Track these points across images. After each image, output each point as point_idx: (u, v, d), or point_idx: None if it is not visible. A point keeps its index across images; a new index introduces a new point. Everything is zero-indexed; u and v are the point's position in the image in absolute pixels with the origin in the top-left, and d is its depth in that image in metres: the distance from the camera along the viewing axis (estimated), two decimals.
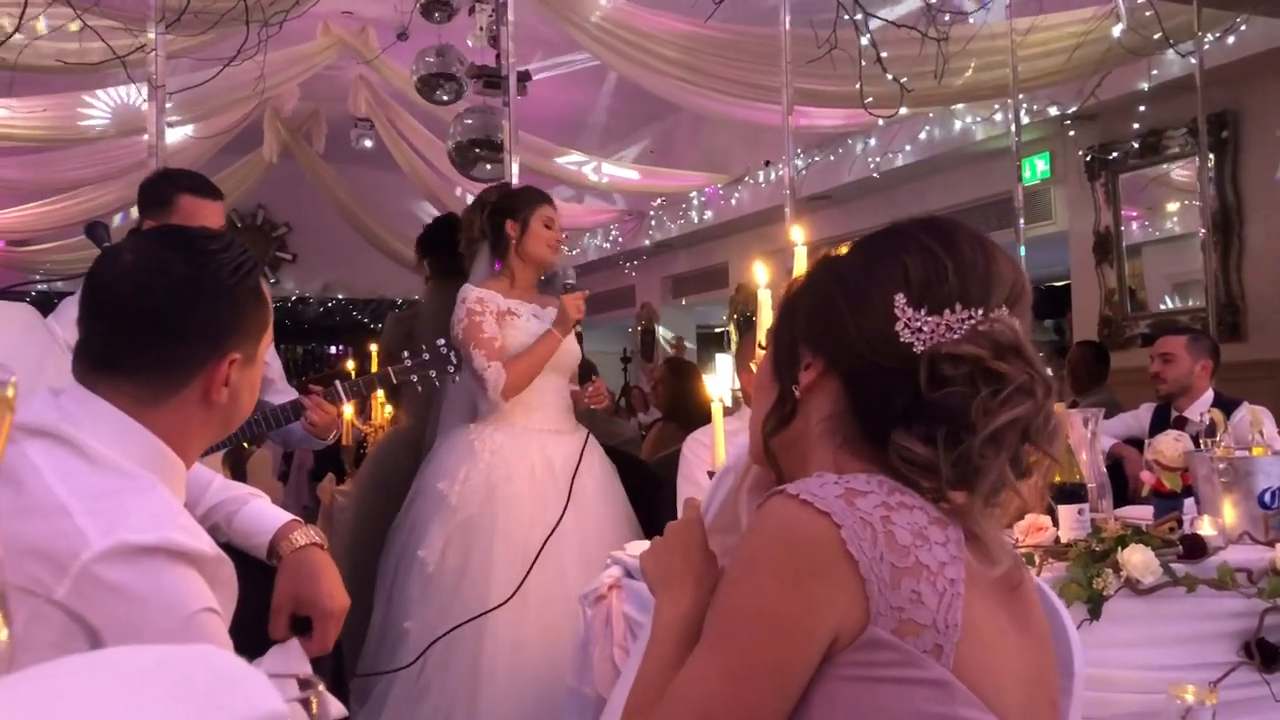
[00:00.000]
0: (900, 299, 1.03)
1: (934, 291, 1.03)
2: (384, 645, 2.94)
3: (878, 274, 1.06)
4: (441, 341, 2.78)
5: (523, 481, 2.98)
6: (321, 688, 0.53)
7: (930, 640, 0.93)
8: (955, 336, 1.01)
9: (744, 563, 0.99)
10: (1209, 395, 3.91)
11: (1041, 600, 1.14)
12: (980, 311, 1.02)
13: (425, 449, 3.29)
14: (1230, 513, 2.36)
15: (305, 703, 0.53)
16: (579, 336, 3.21)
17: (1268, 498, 2.32)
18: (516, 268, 3.14)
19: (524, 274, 3.15)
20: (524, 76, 4.74)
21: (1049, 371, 1.03)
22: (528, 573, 2.74)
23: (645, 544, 2.21)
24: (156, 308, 1.23)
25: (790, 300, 1.14)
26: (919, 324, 1.02)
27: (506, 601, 2.74)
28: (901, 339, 1.02)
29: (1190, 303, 6.45)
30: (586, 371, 4.83)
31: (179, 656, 0.41)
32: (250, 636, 1.29)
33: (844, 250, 1.13)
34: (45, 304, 2.84)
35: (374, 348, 5.24)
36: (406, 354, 2.78)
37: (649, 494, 3.31)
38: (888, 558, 0.93)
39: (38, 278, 8.97)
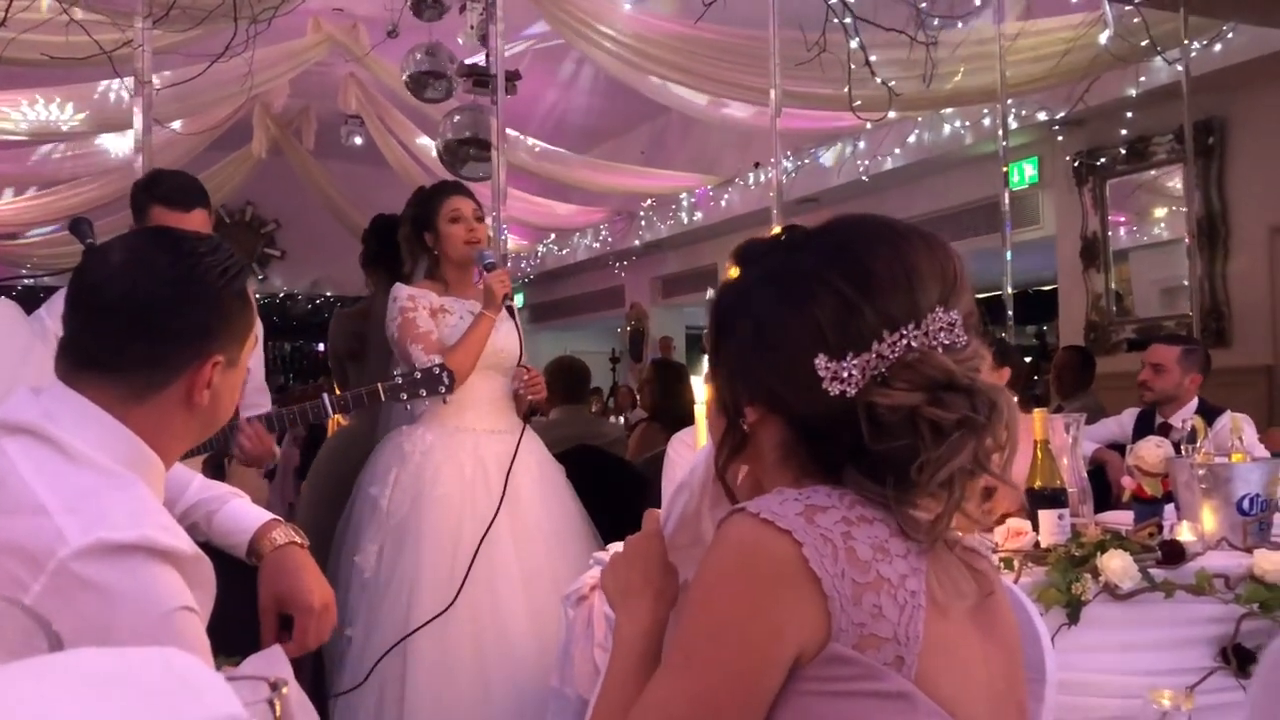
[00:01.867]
0: (821, 360, 1.00)
1: (854, 333, 1.00)
2: (331, 655, 2.91)
3: (792, 333, 1.02)
4: (437, 361, 2.76)
5: (451, 482, 2.92)
6: (286, 690, 0.53)
7: (891, 652, 0.93)
8: (888, 365, 0.98)
9: (706, 583, 0.98)
10: (1194, 403, 3.93)
11: (1013, 605, 1.15)
12: (911, 326, 0.99)
13: (368, 451, 3.26)
14: (1209, 519, 2.37)
15: (271, 704, 0.53)
16: (520, 336, 3.12)
17: (1246, 504, 2.34)
18: (447, 270, 3.09)
19: (453, 274, 3.10)
20: (513, 76, 4.74)
21: (988, 384, 1.00)
22: (464, 580, 2.70)
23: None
24: (142, 307, 1.23)
25: (714, 340, 1.11)
26: (846, 372, 0.99)
27: (443, 613, 2.69)
28: (832, 393, 1.00)
29: (1177, 309, 6.48)
30: (577, 374, 4.82)
31: (136, 659, 0.42)
32: (229, 636, 1.29)
33: (747, 279, 1.09)
34: (31, 298, 2.83)
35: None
36: (398, 372, 2.75)
37: (633, 494, 3.31)
38: (849, 574, 0.93)
39: (24, 272, 8.93)
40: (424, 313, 2.99)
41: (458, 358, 2.90)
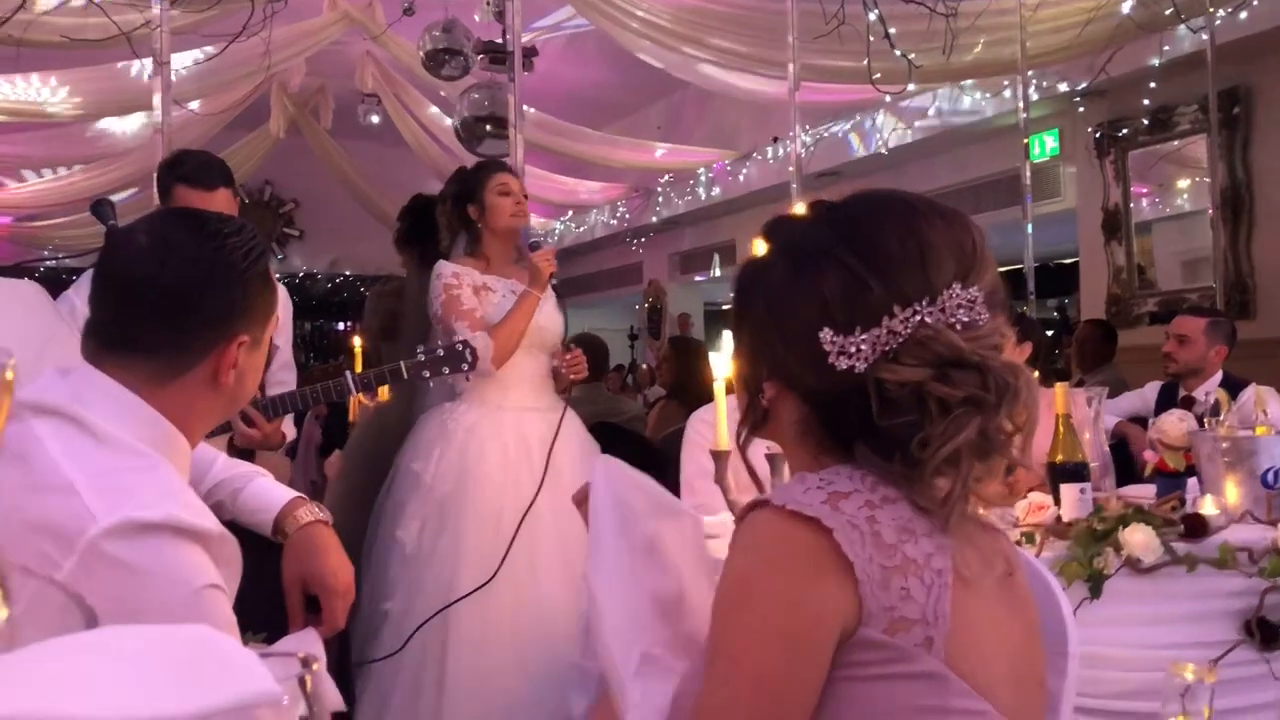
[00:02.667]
0: (826, 334, 1.00)
1: (861, 308, 0.99)
2: (368, 628, 2.94)
3: (798, 306, 1.03)
4: (460, 339, 2.76)
5: (495, 460, 2.94)
6: (318, 667, 0.54)
7: (920, 634, 0.93)
8: (901, 341, 0.98)
9: (740, 581, 0.97)
10: (1218, 376, 3.89)
11: (1035, 579, 1.15)
12: (925, 302, 0.99)
13: (407, 428, 3.28)
14: (1233, 492, 2.36)
15: (301, 681, 0.54)
16: (564, 313, 3.14)
17: (1270, 477, 2.32)
18: (489, 245, 3.10)
19: (496, 250, 3.11)
20: (530, 52, 4.73)
21: (1004, 363, 0.99)
22: (505, 556, 2.72)
23: None
24: (169, 289, 1.24)
25: (736, 316, 1.12)
26: (853, 347, 0.99)
27: (483, 586, 2.72)
28: (839, 368, 0.99)
29: (1200, 281, 6.42)
30: (596, 351, 4.83)
31: (174, 636, 0.42)
32: (254, 614, 1.31)
33: (767, 254, 1.09)
34: (54, 280, 2.85)
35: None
36: (421, 349, 2.76)
37: (653, 472, 3.31)
38: (877, 558, 0.93)
39: (46, 253, 9.00)
40: (468, 290, 3.00)
41: (504, 334, 2.93)
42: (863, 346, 0.98)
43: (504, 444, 2.97)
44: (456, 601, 2.75)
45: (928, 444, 0.96)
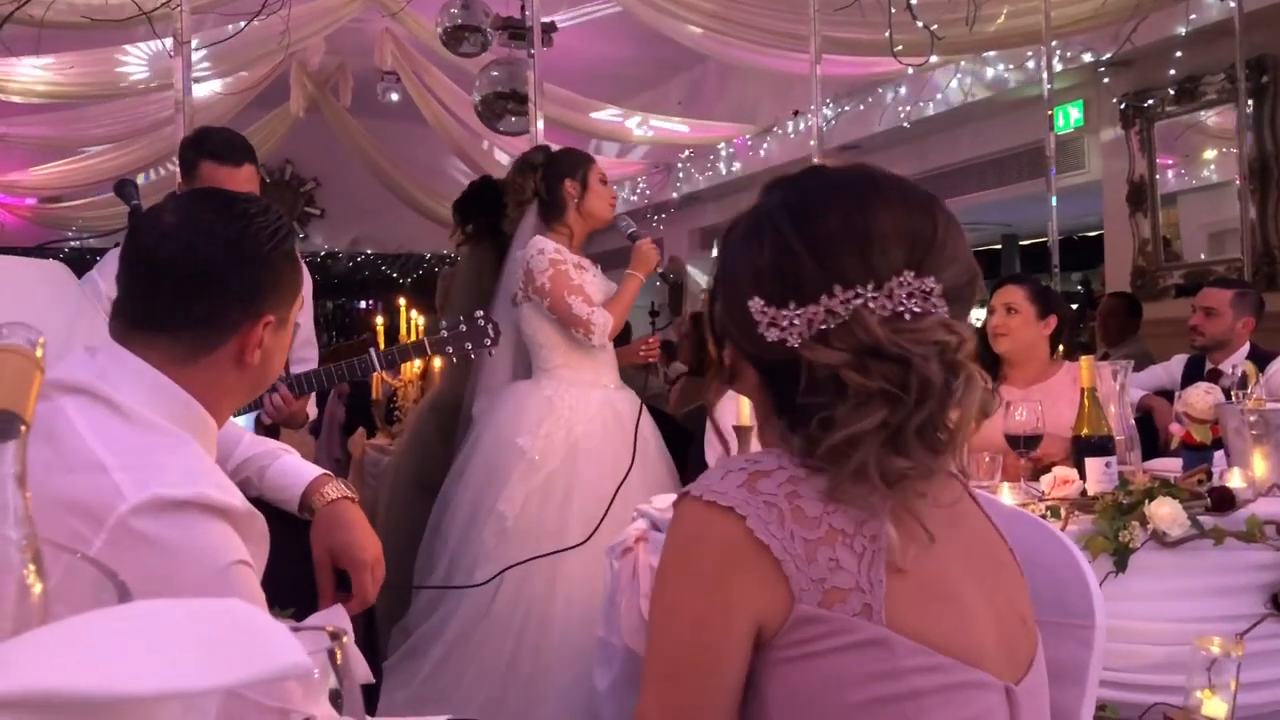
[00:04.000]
0: (756, 302, 0.99)
1: (795, 283, 0.98)
2: (450, 591, 3.01)
3: (737, 271, 1.03)
4: (480, 314, 2.78)
5: (599, 437, 3.06)
6: (347, 640, 0.54)
7: (858, 602, 0.92)
8: (839, 323, 0.96)
9: (661, 574, 0.99)
10: (1245, 349, 3.86)
11: (1059, 552, 1.14)
12: (871, 287, 0.96)
13: (465, 408, 3.33)
14: (1260, 465, 2.34)
15: (331, 654, 0.54)
16: None
17: None
18: (575, 226, 3.20)
19: (581, 232, 3.22)
20: (549, 28, 4.71)
21: (933, 365, 0.95)
22: (602, 519, 2.79)
23: (672, 497, 2.23)
24: (196, 269, 1.25)
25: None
26: (785, 321, 0.98)
27: (581, 544, 2.80)
28: (769, 338, 0.99)
29: (1227, 253, 6.35)
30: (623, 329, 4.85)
31: (205, 610, 0.43)
32: (282, 590, 1.32)
33: (743, 214, 1.10)
34: (78, 260, 2.88)
35: (403, 301, 5.30)
36: (444, 324, 2.79)
37: (677, 448, 3.34)
38: (798, 534, 0.92)
39: (70, 234, 9.06)
40: (572, 266, 3.10)
41: (619, 314, 3.11)
42: (796, 321, 0.97)
43: (604, 421, 3.09)
44: (542, 556, 2.84)
45: (830, 426, 0.95)
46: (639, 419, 2.99)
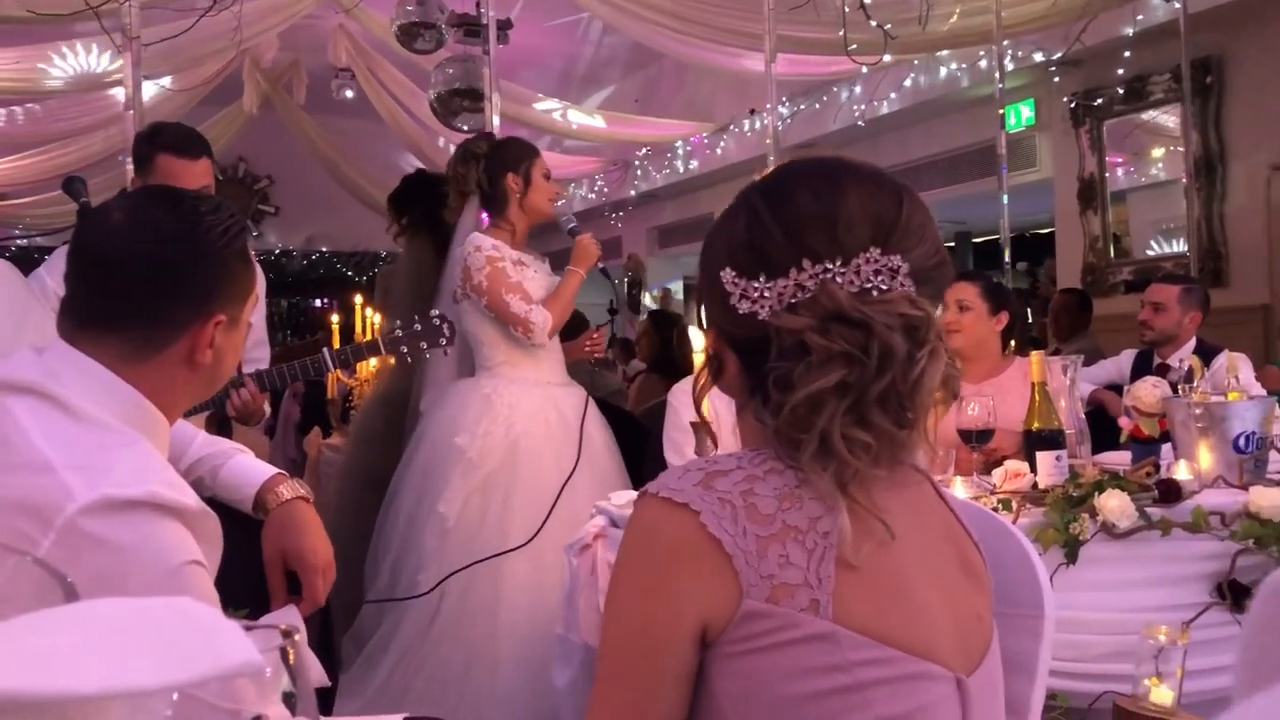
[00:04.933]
0: (728, 273, 1.02)
1: (765, 256, 1.01)
2: (394, 595, 2.97)
3: (713, 245, 1.06)
4: (435, 313, 2.76)
5: (540, 436, 3.01)
6: (299, 638, 0.54)
7: (805, 598, 0.93)
8: (807, 296, 0.98)
9: (615, 571, 1.00)
10: (1192, 343, 3.93)
11: (1011, 545, 1.16)
12: (839, 262, 0.99)
13: (414, 402, 3.30)
14: (1206, 457, 2.39)
15: (283, 653, 0.54)
16: None
17: (1242, 442, 2.35)
18: (517, 221, 3.13)
19: (523, 227, 3.15)
20: (504, 25, 4.69)
21: (897, 333, 0.97)
22: (545, 519, 2.77)
23: (631, 494, 2.24)
24: (145, 267, 1.24)
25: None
26: (756, 293, 1.00)
27: (525, 544, 2.77)
28: (740, 310, 1.01)
29: (1174, 248, 6.47)
30: (576, 325, 4.84)
31: (156, 608, 0.42)
32: (235, 591, 1.31)
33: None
34: (26, 259, 2.83)
35: (359, 299, 5.26)
36: (399, 323, 2.76)
37: (635, 445, 3.34)
38: (751, 530, 0.93)
39: (17, 232, 8.89)
40: (510, 265, 3.03)
41: (558, 312, 3.03)
42: (767, 294, 1.00)
43: (546, 419, 3.04)
44: (485, 559, 2.80)
45: (789, 386, 0.96)
46: (584, 416, 2.96)
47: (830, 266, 0.98)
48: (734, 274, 1.01)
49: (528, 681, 2.79)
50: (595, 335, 3.34)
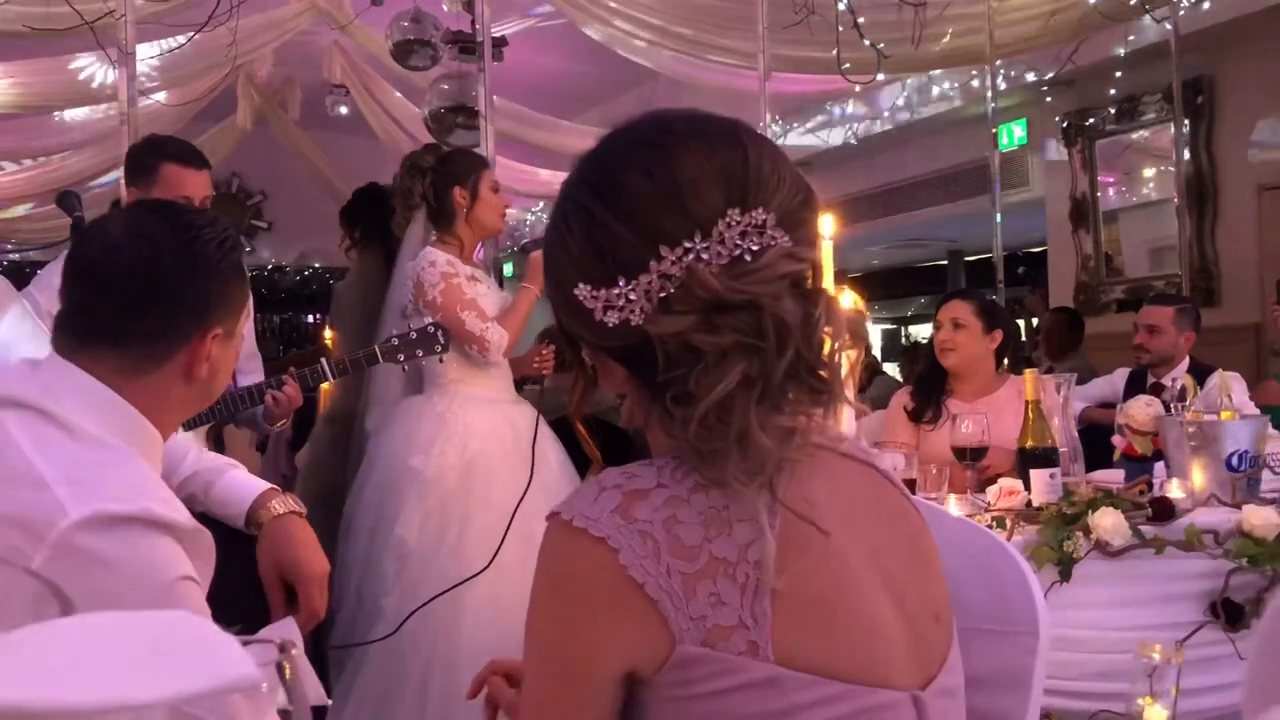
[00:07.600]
0: (583, 289, 0.90)
1: (617, 258, 0.88)
2: (358, 622, 2.92)
3: (558, 264, 0.93)
4: (430, 322, 2.75)
5: (497, 455, 2.95)
6: (296, 652, 0.54)
7: (742, 640, 0.83)
8: (676, 285, 0.86)
9: (531, 605, 0.90)
10: (1185, 363, 3.95)
11: (1006, 562, 1.15)
12: (699, 238, 0.87)
13: (359, 420, 3.24)
14: (1199, 476, 2.39)
15: (280, 668, 0.54)
16: None
17: (1235, 461, 2.36)
18: (465, 235, 3.07)
19: (471, 242, 3.10)
20: (499, 42, 4.70)
21: (784, 302, 0.86)
22: (502, 540, 2.74)
23: None
24: (143, 281, 1.24)
25: None
26: (620, 300, 0.88)
27: (483, 571, 2.74)
28: (610, 324, 0.89)
29: (1166, 269, 6.49)
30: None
31: (155, 622, 0.42)
32: (228, 606, 1.30)
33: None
34: (18, 273, 2.82)
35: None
36: (394, 333, 2.76)
37: (624, 459, 3.33)
38: (675, 568, 0.83)
39: (9, 247, 8.88)
40: (465, 279, 2.99)
41: (513, 328, 2.99)
42: (632, 297, 0.88)
43: (502, 438, 2.99)
44: (445, 591, 2.75)
45: (690, 398, 0.85)
46: (535, 433, 2.94)
47: (691, 245, 0.86)
48: (589, 289, 0.89)
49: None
50: (545, 352, 3.24)
